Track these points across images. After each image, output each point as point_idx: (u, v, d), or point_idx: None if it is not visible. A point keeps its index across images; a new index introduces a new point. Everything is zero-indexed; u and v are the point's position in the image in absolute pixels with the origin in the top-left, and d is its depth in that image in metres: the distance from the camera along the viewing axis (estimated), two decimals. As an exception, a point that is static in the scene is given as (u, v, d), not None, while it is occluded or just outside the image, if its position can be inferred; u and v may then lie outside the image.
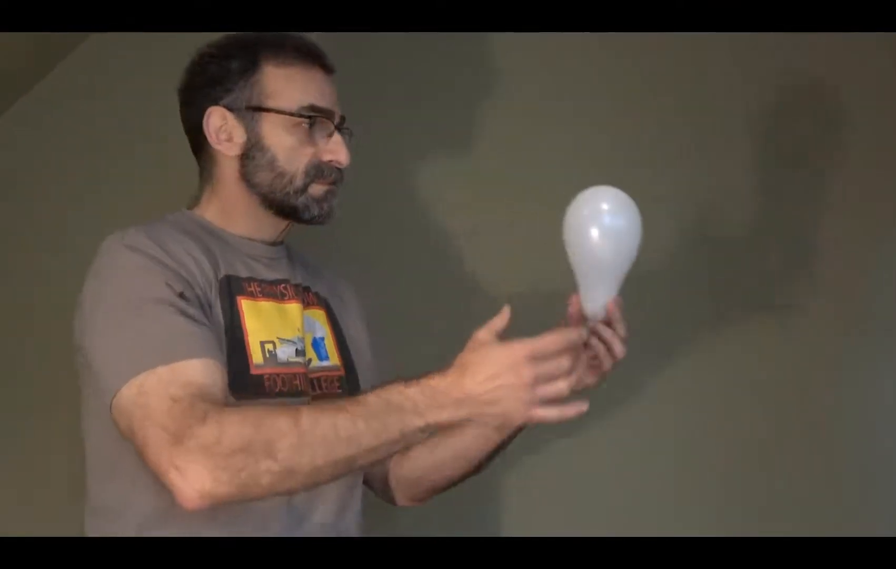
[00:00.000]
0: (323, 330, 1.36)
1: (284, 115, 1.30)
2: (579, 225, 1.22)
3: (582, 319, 1.24)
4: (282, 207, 1.31)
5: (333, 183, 1.31)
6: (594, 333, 1.25)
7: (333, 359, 1.35)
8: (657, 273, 1.37)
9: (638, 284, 1.33)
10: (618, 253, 1.21)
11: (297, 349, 1.29)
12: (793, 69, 1.45)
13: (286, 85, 1.31)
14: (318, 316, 1.37)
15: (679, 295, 1.38)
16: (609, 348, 1.25)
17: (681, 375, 1.36)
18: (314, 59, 1.34)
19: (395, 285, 1.65)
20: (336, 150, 1.31)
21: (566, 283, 1.43)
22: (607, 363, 1.25)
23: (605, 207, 1.21)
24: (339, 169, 1.31)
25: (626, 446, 1.33)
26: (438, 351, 1.46)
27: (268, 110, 1.30)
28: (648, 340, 1.34)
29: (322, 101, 1.32)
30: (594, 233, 1.21)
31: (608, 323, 1.25)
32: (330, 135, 1.32)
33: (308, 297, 1.36)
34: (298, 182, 1.30)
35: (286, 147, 1.30)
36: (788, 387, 1.37)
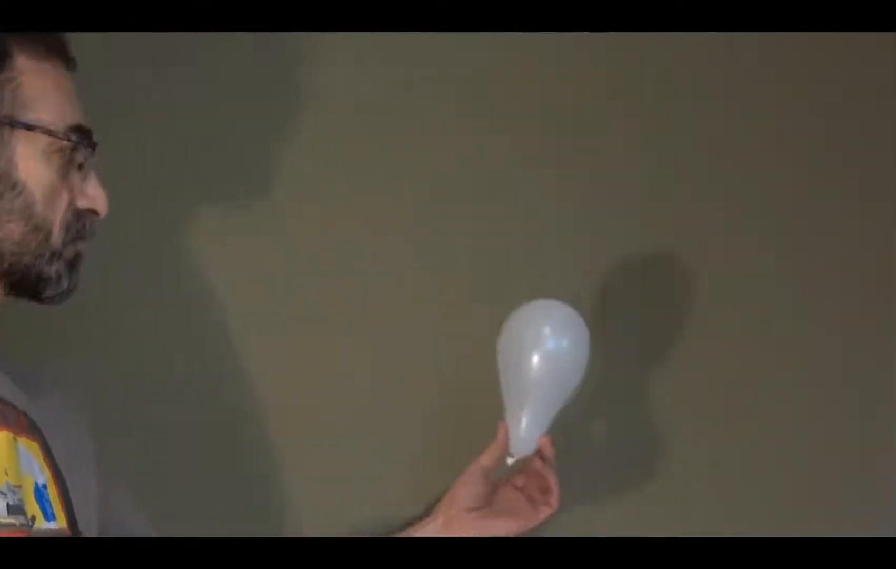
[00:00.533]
0: (44, 474, 0.94)
1: (47, 138, 0.92)
2: (516, 348, 1.13)
3: (506, 451, 1.16)
4: (24, 278, 0.93)
5: (84, 240, 0.96)
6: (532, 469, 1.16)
7: (60, 519, 0.94)
8: (653, 274, 1.37)
9: (636, 284, 1.34)
10: (561, 384, 1.13)
11: (9, 504, 0.87)
12: (792, 69, 1.45)
13: (48, 90, 0.94)
14: (34, 450, 0.94)
15: (676, 293, 1.38)
16: (547, 489, 1.14)
17: (678, 374, 1.36)
18: (62, 51, 0.97)
19: (139, 401, 1.22)
20: (96, 193, 0.96)
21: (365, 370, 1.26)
22: (554, 503, 1.14)
23: (547, 330, 1.12)
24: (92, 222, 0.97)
25: (623, 444, 1.32)
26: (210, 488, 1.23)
27: (29, 127, 0.91)
28: (645, 340, 1.35)
29: (84, 119, 0.96)
30: (534, 359, 1.11)
31: (542, 458, 1.15)
32: (82, 170, 0.96)
33: (19, 420, 0.93)
34: (56, 240, 0.94)
35: (45, 185, 0.92)
36: (787, 386, 1.37)
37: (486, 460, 1.16)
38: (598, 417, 1.31)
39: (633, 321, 1.35)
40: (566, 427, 1.26)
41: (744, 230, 1.40)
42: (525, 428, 1.14)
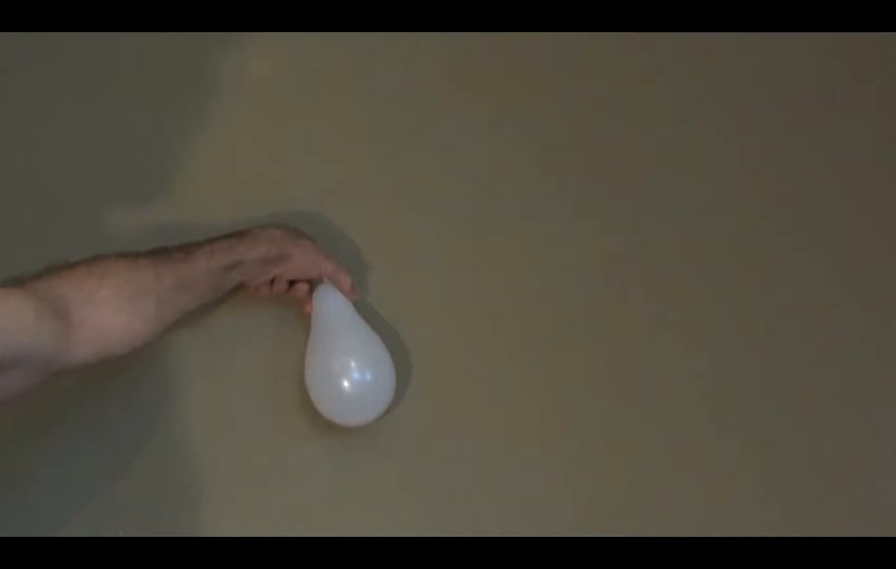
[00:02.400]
0: None
1: None
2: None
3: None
4: None
5: None
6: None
7: None
8: (654, 274, 1.37)
9: (634, 288, 1.33)
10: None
11: None
12: (793, 69, 1.45)
13: None
14: None
15: (677, 294, 1.37)
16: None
17: (677, 374, 1.35)
18: None
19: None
20: None
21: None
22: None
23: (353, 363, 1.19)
24: None
25: (621, 442, 1.32)
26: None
27: None
28: (647, 343, 1.34)
29: None
30: (344, 384, 1.18)
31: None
32: None
33: None
34: None
35: None
36: (786, 385, 1.37)
37: (329, 268, 1.23)
38: (598, 415, 1.31)
39: (634, 317, 1.35)
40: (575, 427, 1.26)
41: (745, 229, 1.40)
42: (330, 297, 1.22)
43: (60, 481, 1.17)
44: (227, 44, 1.38)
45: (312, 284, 1.26)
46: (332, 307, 1.24)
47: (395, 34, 1.42)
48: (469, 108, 1.42)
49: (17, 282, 1.00)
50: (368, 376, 1.20)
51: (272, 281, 1.24)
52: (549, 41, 1.45)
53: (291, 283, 1.26)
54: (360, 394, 1.19)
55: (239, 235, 1.20)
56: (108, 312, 1.04)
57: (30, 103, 1.32)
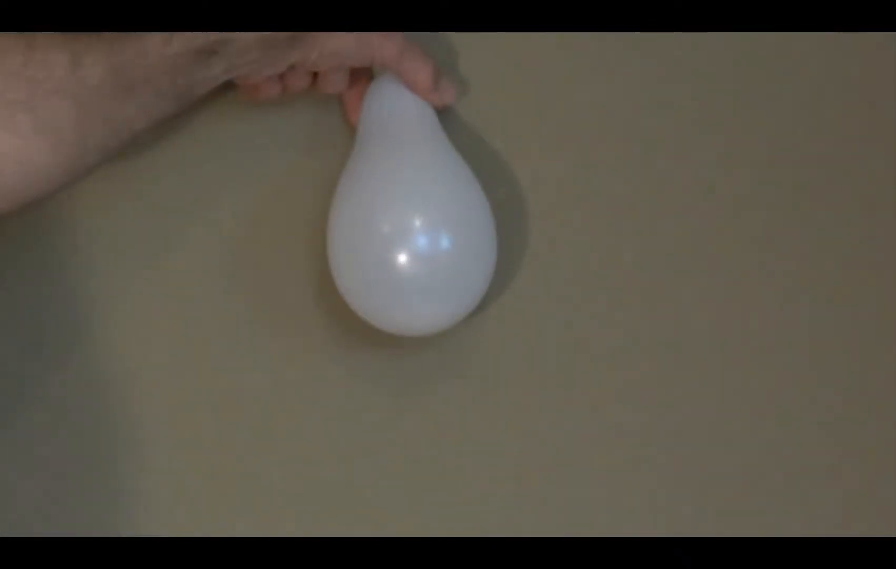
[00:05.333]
0: None
1: None
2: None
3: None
4: None
5: None
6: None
7: None
8: (657, 271, 1.37)
9: (639, 285, 1.33)
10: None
11: None
12: (793, 69, 1.45)
13: None
14: None
15: (678, 294, 1.38)
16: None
17: (677, 373, 1.36)
18: None
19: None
20: None
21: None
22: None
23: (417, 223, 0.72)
24: None
25: (620, 441, 1.32)
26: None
27: None
28: (645, 344, 1.34)
29: None
30: (401, 258, 0.73)
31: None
32: None
33: None
34: None
35: None
36: (786, 384, 1.37)
37: (393, 52, 0.80)
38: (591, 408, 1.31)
39: (636, 316, 1.35)
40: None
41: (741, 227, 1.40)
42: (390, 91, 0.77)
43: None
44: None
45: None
46: (394, 117, 0.78)
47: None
48: None
49: None
50: (446, 243, 0.75)
51: (283, 74, 0.80)
52: None
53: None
54: (427, 277, 0.75)
55: None
56: None
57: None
